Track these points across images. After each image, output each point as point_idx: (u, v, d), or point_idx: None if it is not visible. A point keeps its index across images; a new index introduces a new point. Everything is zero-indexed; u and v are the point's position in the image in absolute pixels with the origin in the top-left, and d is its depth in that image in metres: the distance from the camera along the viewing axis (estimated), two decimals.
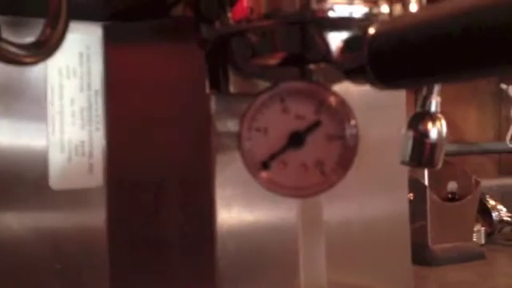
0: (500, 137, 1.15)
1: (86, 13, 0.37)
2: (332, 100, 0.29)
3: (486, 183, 0.87)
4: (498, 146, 1.14)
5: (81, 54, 0.38)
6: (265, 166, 0.29)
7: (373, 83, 0.27)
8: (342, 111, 0.29)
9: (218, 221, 0.39)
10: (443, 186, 0.86)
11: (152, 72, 0.39)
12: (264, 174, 0.30)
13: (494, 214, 0.93)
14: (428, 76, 0.25)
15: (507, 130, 1.12)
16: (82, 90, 0.38)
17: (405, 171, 0.51)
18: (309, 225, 0.42)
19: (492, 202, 0.94)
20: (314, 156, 0.29)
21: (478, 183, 0.84)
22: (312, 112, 0.29)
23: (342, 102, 0.29)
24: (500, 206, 0.94)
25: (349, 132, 0.29)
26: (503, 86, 1.09)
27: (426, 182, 0.82)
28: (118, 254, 0.39)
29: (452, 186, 0.87)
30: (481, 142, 1.13)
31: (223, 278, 0.39)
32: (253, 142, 0.30)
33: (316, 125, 0.29)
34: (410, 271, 0.52)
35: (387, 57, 0.26)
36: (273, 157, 0.29)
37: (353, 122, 0.29)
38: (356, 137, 0.29)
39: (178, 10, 0.38)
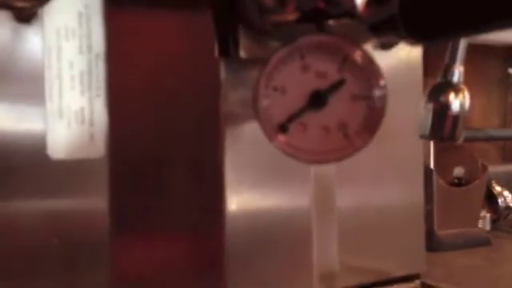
0: (505, 123, 1.14)
1: None
2: (357, 56, 0.26)
3: (490, 169, 0.86)
4: (503, 132, 1.13)
5: (80, 14, 0.35)
6: (282, 128, 0.27)
7: (402, 36, 0.25)
8: (369, 69, 0.26)
9: (227, 197, 0.37)
10: (450, 170, 0.85)
11: (156, 34, 0.36)
12: (281, 138, 0.27)
13: (500, 201, 0.92)
14: (468, 25, 0.22)
15: None
16: (81, 52, 0.36)
17: (420, 154, 0.49)
18: (321, 207, 0.40)
19: (498, 188, 0.93)
20: (336, 118, 0.27)
21: (485, 168, 0.82)
22: (335, 69, 0.27)
23: (369, 59, 0.26)
24: (506, 193, 0.93)
25: (376, 92, 0.27)
26: (511, 71, 1.08)
27: (433, 167, 0.80)
28: (118, 229, 0.37)
29: (459, 171, 0.85)
30: (486, 129, 1.11)
31: (232, 257, 0.37)
32: (269, 103, 0.27)
33: (339, 84, 0.26)
34: (423, 255, 0.51)
35: (420, 6, 0.23)
36: (291, 118, 0.27)
37: (381, 83, 0.26)
38: (384, 98, 0.27)
39: None
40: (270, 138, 0.27)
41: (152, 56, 0.36)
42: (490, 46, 0.97)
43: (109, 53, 0.36)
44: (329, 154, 0.27)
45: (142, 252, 0.37)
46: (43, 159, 0.35)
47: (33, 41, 0.34)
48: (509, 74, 1.07)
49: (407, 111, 0.44)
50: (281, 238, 0.40)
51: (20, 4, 0.26)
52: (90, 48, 0.36)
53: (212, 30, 0.34)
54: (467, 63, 0.42)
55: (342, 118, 0.27)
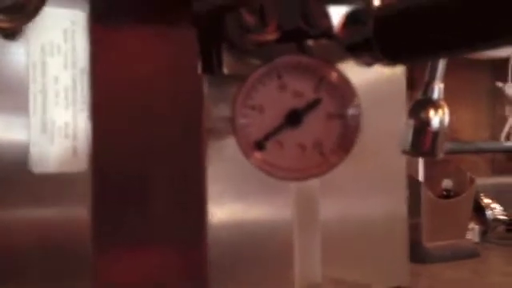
0: (494, 136, 1.15)
1: None
2: (333, 76, 0.27)
3: (480, 182, 0.87)
4: (492, 145, 1.14)
5: (65, 30, 0.36)
6: (259, 146, 0.28)
7: (378, 58, 0.25)
8: (344, 88, 0.27)
9: (210, 210, 0.37)
10: (438, 183, 0.85)
11: (141, 50, 0.37)
12: (258, 155, 0.28)
13: (489, 213, 0.92)
14: (441, 48, 0.23)
15: (501, 128, 1.11)
16: (66, 68, 0.36)
17: (403, 167, 0.50)
18: (304, 219, 0.40)
19: (486, 201, 0.93)
20: (312, 136, 0.27)
21: (472, 181, 0.83)
22: (311, 89, 0.27)
23: (344, 79, 0.27)
24: (494, 205, 0.93)
25: (350, 111, 0.27)
26: (499, 84, 1.09)
27: (421, 179, 0.81)
28: (101, 243, 0.37)
29: (447, 183, 0.86)
30: (475, 141, 1.12)
31: (214, 269, 0.38)
32: (247, 121, 0.28)
33: (315, 103, 0.27)
34: (406, 267, 0.51)
35: (395, 29, 0.24)
36: (268, 136, 0.27)
37: (355, 101, 0.27)
38: (358, 117, 0.27)
39: None
40: (247, 155, 0.28)
41: (135, 71, 0.37)
42: (478, 59, 0.99)
43: (93, 68, 0.36)
44: (305, 171, 0.28)
45: (124, 263, 0.37)
46: (26, 170, 0.35)
47: (18, 55, 0.35)
48: (497, 87, 1.08)
49: (391, 124, 0.45)
50: (263, 250, 0.40)
51: (4, 25, 0.26)
52: (74, 63, 0.36)
53: (196, 46, 0.35)
54: (456, 76, 0.43)
55: (317, 136, 0.28)
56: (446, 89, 0.39)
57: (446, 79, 0.40)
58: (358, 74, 0.30)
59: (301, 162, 0.28)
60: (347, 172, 0.34)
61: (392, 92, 0.47)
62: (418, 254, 0.74)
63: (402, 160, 0.49)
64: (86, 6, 0.36)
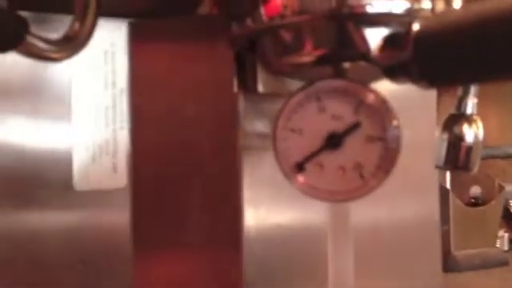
0: None
1: (112, 10, 0.36)
2: (372, 99, 0.27)
3: (508, 188, 0.85)
4: None
5: (106, 52, 0.37)
6: (300, 168, 0.28)
7: (417, 82, 0.26)
8: (383, 111, 0.27)
9: (245, 224, 0.38)
10: (466, 190, 0.84)
11: (178, 70, 0.38)
12: (299, 177, 0.28)
13: None
14: (480, 75, 0.23)
15: None
16: (106, 88, 0.37)
17: (435, 174, 0.50)
18: (337, 229, 0.40)
19: None
20: (352, 159, 0.28)
21: (501, 188, 0.82)
22: (351, 112, 0.28)
23: (383, 101, 0.28)
24: None
25: (390, 133, 0.28)
26: None
27: (449, 187, 0.80)
28: (141, 256, 0.38)
29: (475, 190, 0.85)
30: (503, 146, 1.11)
31: (249, 275, 0.38)
32: (287, 144, 0.28)
33: (355, 126, 0.28)
34: (439, 276, 0.51)
35: (435, 55, 0.24)
36: (308, 158, 0.28)
37: (395, 123, 0.27)
38: (398, 138, 0.28)
39: (206, 7, 0.37)
40: (288, 177, 0.28)
41: (173, 90, 0.38)
42: None
43: (132, 88, 0.37)
44: (345, 194, 0.28)
45: (164, 273, 0.38)
46: (69, 188, 0.36)
47: (61, 78, 0.36)
48: None
49: (422, 129, 0.45)
50: (296, 257, 0.41)
51: (56, 56, 0.27)
52: (114, 83, 0.37)
53: (232, 65, 0.35)
54: None
55: (357, 158, 0.28)
56: None
57: None
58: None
59: (341, 184, 0.28)
60: None
61: (423, 97, 0.47)
62: (446, 262, 0.73)
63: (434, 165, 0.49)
64: (126, 29, 0.37)
